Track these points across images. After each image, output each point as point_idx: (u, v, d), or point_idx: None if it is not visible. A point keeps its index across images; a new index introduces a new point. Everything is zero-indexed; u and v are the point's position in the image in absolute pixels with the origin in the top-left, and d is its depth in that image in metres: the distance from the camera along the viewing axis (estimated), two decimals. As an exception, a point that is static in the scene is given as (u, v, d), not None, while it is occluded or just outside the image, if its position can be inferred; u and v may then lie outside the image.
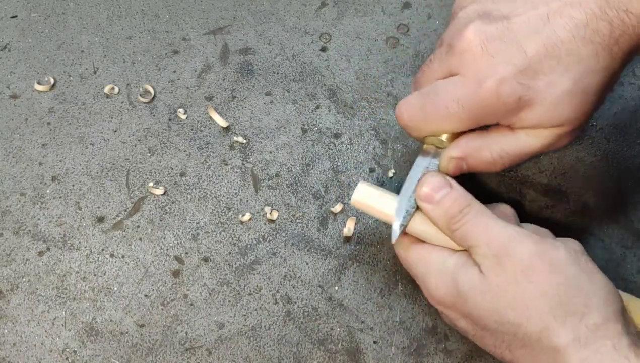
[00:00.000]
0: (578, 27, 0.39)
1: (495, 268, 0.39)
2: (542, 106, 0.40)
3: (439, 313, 0.45)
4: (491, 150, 0.43)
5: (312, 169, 0.55)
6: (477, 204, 0.42)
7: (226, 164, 0.55)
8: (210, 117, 0.57)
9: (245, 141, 0.56)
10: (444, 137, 0.45)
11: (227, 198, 0.54)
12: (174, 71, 0.59)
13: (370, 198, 0.46)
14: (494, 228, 0.40)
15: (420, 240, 0.45)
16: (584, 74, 0.39)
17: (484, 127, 0.44)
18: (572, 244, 0.41)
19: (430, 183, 0.43)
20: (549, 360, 0.38)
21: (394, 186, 0.54)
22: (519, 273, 0.38)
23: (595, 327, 0.37)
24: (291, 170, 0.55)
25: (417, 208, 0.44)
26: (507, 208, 0.45)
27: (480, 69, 0.40)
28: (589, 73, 0.39)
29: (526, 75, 0.39)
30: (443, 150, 0.45)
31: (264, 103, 0.57)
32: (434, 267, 0.42)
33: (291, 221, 0.53)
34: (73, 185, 0.54)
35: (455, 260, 0.42)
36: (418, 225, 0.44)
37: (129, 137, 0.56)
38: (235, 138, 0.56)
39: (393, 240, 0.44)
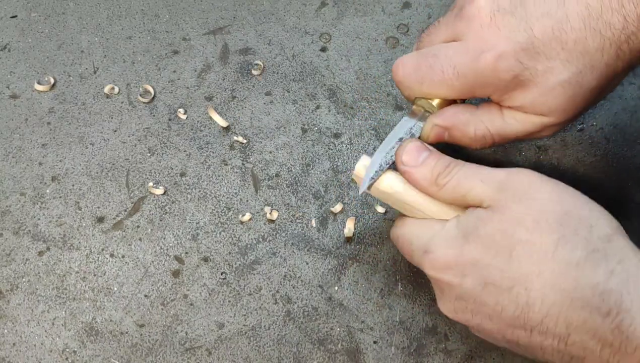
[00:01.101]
0: (591, 17, 0.38)
1: (498, 195, 0.38)
2: (535, 90, 0.40)
3: (440, 297, 0.42)
4: (476, 127, 0.43)
5: (312, 169, 0.55)
6: (462, 161, 0.41)
7: (226, 164, 0.55)
8: (210, 117, 0.57)
9: (245, 141, 0.56)
10: (435, 102, 0.45)
11: (227, 198, 0.54)
12: (174, 71, 0.59)
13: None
14: (485, 170, 0.39)
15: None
16: (585, 68, 0.39)
17: (473, 102, 0.44)
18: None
19: (410, 148, 0.42)
20: (568, 280, 0.35)
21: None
22: (523, 193, 0.37)
23: (607, 237, 0.36)
24: (291, 170, 0.55)
25: (391, 167, 0.44)
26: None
27: (483, 38, 0.40)
28: (590, 67, 0.39)
29: (527, 55, 0.39)
30: (429, 116, 0.45)
31: (264, 103, 0.57)
32: (434, 231, 0.40)
33: (291, 221, 0.53)
34: (73, 185, 0.54)
35: (454, 220, 0.40)
36: (407, 195, 0.43)
37: (129, 137, 0.56)
38: (235, 138, 0.56)
39: (360, 191, 0.43)
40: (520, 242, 0.36)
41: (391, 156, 0.44)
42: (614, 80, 0.41)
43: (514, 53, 0.39)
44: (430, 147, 0.43)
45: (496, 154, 0.55)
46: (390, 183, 0.43)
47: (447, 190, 0.40)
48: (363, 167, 0.44)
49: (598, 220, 0.37)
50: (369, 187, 0.43)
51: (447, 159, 0.41)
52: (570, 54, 0.38)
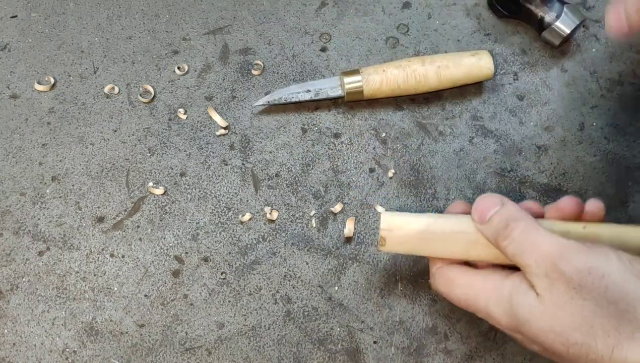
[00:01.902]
0: None
1: (549, 289, 0.37)
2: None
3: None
4: None
5: (312, 168, 0.55)
6: (525, 219, 0.40)
7: (226, 164, 0.55)
8: (210, 117, 0.57)
9: (244, 140, 0.56)
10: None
11: (227, 198, 0.54)
12: (174, 71, 0.59)
13: (400, 222, 0.44)
14: (541, 245, 0.38)
15: (457, 267, 0.44)
16: None
17: None
18: (621, 251, 0.38)
19: (482, 202, 0.43)
20: None
21: (394, 186, 0.54)
22: (573, 292, 0.36)
23: None
24: (291, 170, 0.55)
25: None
26: (529, 203, 0.45)
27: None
28: None
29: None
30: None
31: (264, 103, 0.57)
32: (490, 295, 0.41)
33: (291, 221, 0.53)
34: (73, 185, 0.54)
35: (510, 283, 0.40)
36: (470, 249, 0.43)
37: (129, 137, 0.56)
38: (234, 137, 0.56)
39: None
40: (576, 344, 0.36)
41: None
42: None
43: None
44: (505, 200, 0.42)
45: (496, 154, 0.55)
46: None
47: (508, 255, 0.41)
48: (387, 216, 0.44)
49: None
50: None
51: (510, 216, 0.41)
52: None
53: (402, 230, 0.43)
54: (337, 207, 0.53)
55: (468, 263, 0.44)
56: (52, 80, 0.58)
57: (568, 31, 0.56)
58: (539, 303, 0.38)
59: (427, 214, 0.44)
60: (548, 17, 0.57)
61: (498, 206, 0.42)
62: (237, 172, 0.55)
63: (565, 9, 0.56)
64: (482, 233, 0.42)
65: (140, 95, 0.58)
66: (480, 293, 0.42)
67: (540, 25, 0.58)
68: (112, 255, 0.52)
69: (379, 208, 0.53)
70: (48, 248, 0.52)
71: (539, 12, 0.57)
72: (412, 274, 0.51)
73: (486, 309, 0.41)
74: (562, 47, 0.60)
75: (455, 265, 0.44)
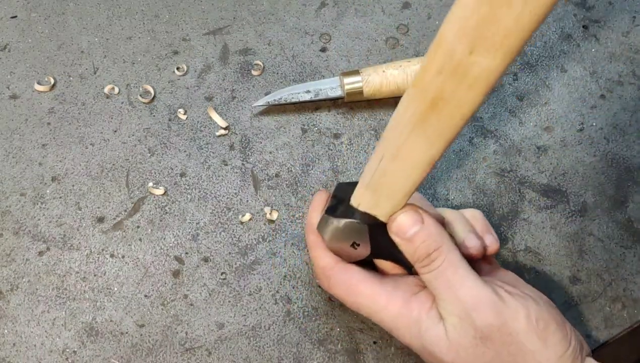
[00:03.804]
0: None
1: (458, 329, 0.39)
2: None
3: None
4: None
5: (312, 169, 0.55)
6: (447, 249, 0.40)
7: (226, 164, 0.55)
8: (210, 117, 0.57)
9: (244, 141, 0.56)
10: None
11: (227, 198, 0.54)
12: (174, 71, 0.59)
13: None
14: (459, 289, 0.39)
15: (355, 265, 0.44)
16: None
17: None
18: (533, 306, 0.39)
19: (402, 218, 0.40)
20: None
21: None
22: (479, 340, 0.38)
23: None
24: (291, 170, 0.55)
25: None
26: (476, 213, 0.45)
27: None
28: None
29: None
30: None
31: (264, 103, 0.57)
32: (397, 315, 0.41)
33: (291, 221, 0.53)
34: (73, 185, 0.54)
35: (419, 305, 0.41)
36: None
37: (129, 137, 0.56)
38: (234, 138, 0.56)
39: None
40: None
41: None
42: None
43: None
44: (427, 219, 0.40)
45: (496, 154, 0.55)
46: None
47: (425, 280, 0.41)
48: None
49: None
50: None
51: (432, 243, 0.40)
52: None
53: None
54: (337, 207, 0.53)
55: (366, 263, 0.44)
56: (52, 81, 0.58)
57: None
58: (445, 337, 0.39)
59: None
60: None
61: (419, 225, 0.40)
62: (237, 173, 0.55)
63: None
64: (400, 246, 0.41)
65: (140, 95, 0.58)
66: (386, 310, 0.41)
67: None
68: (112, 256, 0.52)
69: None
70: (48, 249, 0.52)
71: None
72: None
73: (394, 330, 0.42)
74: (562, 47, 0.60)
75: (353, 268, 0.43)
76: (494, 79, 0.34)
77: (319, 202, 0.45)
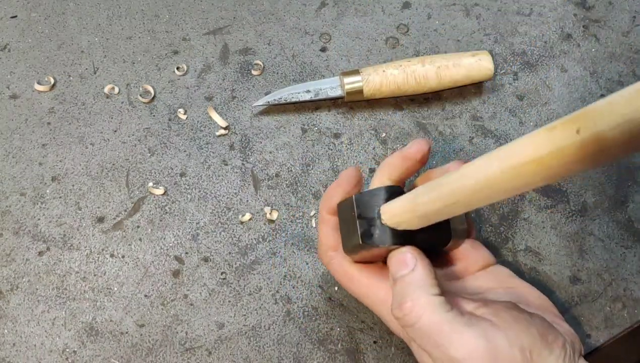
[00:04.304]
0: None
1: None
2: None
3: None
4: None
5: (312, 169, 0.55)
6: (432, 310, 0.38)
7: (226, 164, 0.55)
8: (210, 117, 0.57)
9: (240, 144, 0.56)
10: None
11: (227, 198, 0.54)
12: (174, 71, 0.59)
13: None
14: (449, 348, 0.37)
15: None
16: None
17: None
18: (523, 337, 0.38)
19: (399, 253, 0.40)
20: None
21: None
22: None
23: None
24: (291, 170, 0.55)
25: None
26: (504, 270, 0.44)
27: None
28: None
29: None
30: None
31: (264, 103, 0.57)
32: (386, 308, 0.41)
33: (291, 221, 0.53)
34: (73, 185, 0.54)
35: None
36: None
37: (129, 137, 0.56)
38: (234, 138, 0.56)
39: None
40: None
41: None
42: None
43: None
44: (419, 260, 0.39)
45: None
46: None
47: (407, 333, 0.39)
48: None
49: None
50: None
51: (419, 294, 0.38)
52: None
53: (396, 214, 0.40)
54: (337, 207, 0.53)
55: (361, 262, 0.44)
56: (52, 80, 0.58)
57: None
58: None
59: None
60: None
61: (410, 268, 0.39)
62: (237, 172, 0.55)
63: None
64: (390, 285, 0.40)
65: (140, 95, 0.58)
66: (385, 304, 0.41)
67: None
68: (112, 255, 0.52)
69: None
70: (48, 248, 0.52)
71: None
72: (412, 274, 0.51)
73: (391, 323, 0.42)
74: (563, 47, 0.60)
75: (351, 261, 0.43)
76: None
77: (347, 180, 0.43)
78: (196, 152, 0.55)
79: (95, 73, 0.59)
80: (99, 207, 0.53)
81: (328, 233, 0.44)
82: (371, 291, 0.42)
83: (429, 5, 0.62)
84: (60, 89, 0.58)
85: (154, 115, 0.57)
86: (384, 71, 0.55)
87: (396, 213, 0.39)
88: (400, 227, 0.40)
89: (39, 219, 0.53)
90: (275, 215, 0.53)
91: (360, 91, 0.55)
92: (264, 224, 0.53)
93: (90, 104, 0.57)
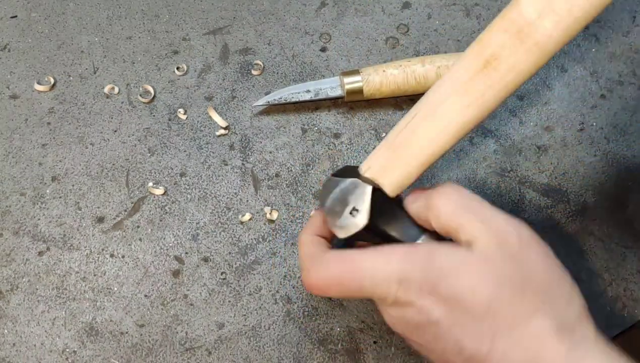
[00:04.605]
0: None
1: (492, 245, 0.36)
2: None
3: (390, 311, 0.39)
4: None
5: (312, 169, 0.55)
6: (459, 188, 0.39)
7: (226, 164, 0.55)
8: (210, 117, 0.57)
9: (240, 144, 0.56)
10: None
11: (227, 198, 0.54)
12: (174, 71, 0.59)
13: None
14: (488, 211, 0.38)
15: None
16: None
17: None
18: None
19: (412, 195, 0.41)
20: (532, 346, 0.35)
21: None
22: (517, 251, 0.36)
23: (578, 317, 0.36)
24: (291, 170, 0.55)
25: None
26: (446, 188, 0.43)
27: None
28: None
29: None
30: None
31: (264, 103, 0.57)
32: (402, 258, 0.37)
33: (291, 221, 0.53)
34: (73, 185, 0.54)
35: (426, 246, 0.38)
36: None
37: (129, 137, 0.56)
38: (234, 138, 0.56)
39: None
40: (501, 301, 0.35)
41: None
42: None
43: None
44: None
45: (496, 154, 0.55)
46: None
47: (442, 218, 0.39)
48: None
49: (574, 297, 0.37)
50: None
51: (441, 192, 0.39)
52: None
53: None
54: (337, 207, 0.53)
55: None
56: (52, 80, 0.58)
57: None
58: (473, 256, 0.36)
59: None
60: None
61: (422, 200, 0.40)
62: (237, 172, 0.55)
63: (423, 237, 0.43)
64: (420, 210, 0.40)
65: (140, 95, 0.58)
66: (390, 257, 0.38)
67: None
68: (112, 255, 0.52)
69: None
70: (48, 248, 0.52)
71: None
72: (412, 274, 0.51)
73: (400, 273, 0.37)
74: (563, 47, 0.60)
75: (346, 251, 0.40)
76: (552, 48, 0.36)
77: (315, 221, 0.44)
78: (196, 152, 0.55)
79: (95, 73, 0.59)
80: (99, 207, 0.53)
81: (315, 262, 0.41)
82: (373, 264, 0.38)
83: (429, 5, 0.62)
84: (60, 89, 0.58)
85: (154, 115, 0.57)
86: (384, 71, 0.55)
87: (369, 158, 0.41)
88: (369, 173, 0.41)
89: (39, 219, 0.53)
90: (275, 215, 0.53)
91: (360, 91, 0.55)
92: (264, 224, 0.53)
93: (90, 104, 0.57)
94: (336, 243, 0.44)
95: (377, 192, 0.41)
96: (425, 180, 0.54)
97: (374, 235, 0.42)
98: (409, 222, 0.42)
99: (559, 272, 0.37)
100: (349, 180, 0.42)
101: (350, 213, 0.41)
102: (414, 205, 0.41)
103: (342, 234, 0.42)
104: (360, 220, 0.41)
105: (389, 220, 0.41)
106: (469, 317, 0.36)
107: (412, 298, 0.37)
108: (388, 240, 0.42)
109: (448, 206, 0.38)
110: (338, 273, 0.39)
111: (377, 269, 0.38)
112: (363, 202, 0.41)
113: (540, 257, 0.37)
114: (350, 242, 0.43)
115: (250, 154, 0.55)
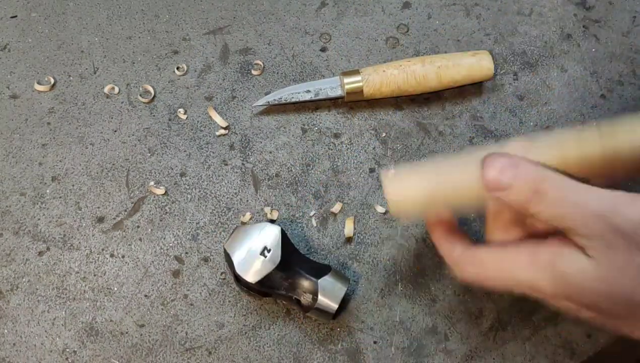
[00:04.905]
0: None
1: (605, 251, 0.34)
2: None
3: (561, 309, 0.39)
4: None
5: (312, 168, 0.55)
6: (554, 176, 0.36)
7: (226, 164, 0.55)
8: (210, 117, 0.57)
9: (240, 144, 0.56)
10: None
11: (227, 198, 0.54)
12: (174, 71, 0.59)
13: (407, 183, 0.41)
14: (587, 203, 0.34)
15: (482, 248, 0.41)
16: None
17: None
18: None
19: (492, 168, 0.37)
20: None
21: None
22: (635, 249, 0.33)
23: None
24: (291, 170, 0.55)
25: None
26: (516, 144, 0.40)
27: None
28: None
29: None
30: None
31: (264, 103, 0.57)
32: (527, 265, 0.37)
33: (291, 221, 0.53)
34: (73, 185, 0.54)
35: (548, 249, 0.36)
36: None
37: (129, 137, 0.56)
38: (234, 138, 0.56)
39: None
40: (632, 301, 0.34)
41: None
42: None
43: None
44: (517, 160, 0.37)
45: (496, 154, 0.55)
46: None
47: (542, 220, 0.36)
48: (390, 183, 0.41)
49: None
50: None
51: (536, 177, 0.36)
52: None
53: (409, 197, 0.41)
54: (337, 207, 0.53)
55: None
56: (52, 80, 0.58)
57: (335, 306, 0.46)
58: (593, 266, 0.34)
59: (433, 167, 0.41)
60: (304, 299, 0.46)
61: (513, 168, 0.36)
62: (237, 172, 0.55)
63: (320, 282, 0.46)
64: (502, 201, 0.37)
65: (140, 95, 0.58)
66: (515, 265, 0.37)
67: (302, 308, 0.47)
68: (112, 255, 0.52)
69: (379, 209, 0.53)
70: (48, 248, 0.52)
71: (293, 296, 0.46)
72: (412, 274, 0.51)
73: (527, 280, 0.37)
74: (563, 47, 0.60)
75: (479, 246, 0.40)
76: None
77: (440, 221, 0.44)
78: (196, 152, 0.55)
79: (95, 73, 0.59)
80: (99, 207, 0.53)
81: (449, 246, 0.42)
82: (505, 262, 0.38)
83: (429, 5, 0.62)
84: (60, 89, 0.58)
85: (154, 115, 0.57)
86: (384, 71, 0.55)
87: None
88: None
89: (39, 219, 0.53)
90: (275, 215, 0.53)
91: (360, 91, 0.55)
92: (264, 224, 0.53)
93: (90, 104, 0.57)
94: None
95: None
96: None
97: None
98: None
99: None
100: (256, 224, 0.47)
101: (262, 253, 0.46)
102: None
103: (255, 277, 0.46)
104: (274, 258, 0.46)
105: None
106: (616, 318, 0.35)
107: (551, 301, 0.37)
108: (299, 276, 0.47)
109: (547, 212, 0.36)
110: (492, 274, 0.39)
111: (507, 274, 0.38)
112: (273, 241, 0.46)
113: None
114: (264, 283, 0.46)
115: (250, 153, 0.55)
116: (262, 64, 0.59)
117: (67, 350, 0.48)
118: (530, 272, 0.37)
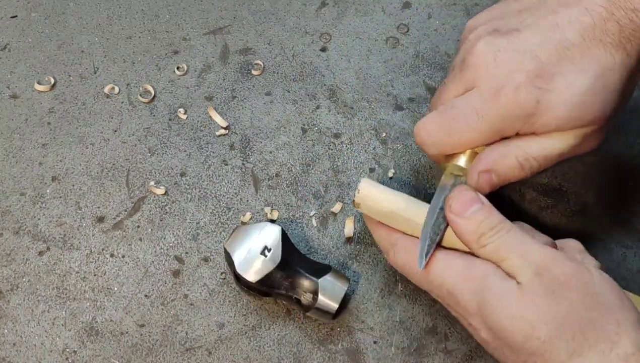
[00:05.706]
0: (587, 30, 0.39)
1: (533, 280, 0.38)
2: (562, 107, 0.40)
3: (457, 319, 0.43)
4: (517, 154, 0.42)
5: (312, 168, 0.55)
6: (510, 223, 0.41)
7: (226, 164, 0.55)
8: (210, 117, 0.57)
9: (244, 140, 0.56)
10: (462, 161, 0.44)
11: (227, 198, 0.54)
12: (174, 71, 0.59)
13: (375, 196, 0.44)
14: (531, 246, 0.39)
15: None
16: (602, 72, 0.39)
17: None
18: (601, 272, 0.40)
19: (461, 197, 0.41)
20: None
21: (394, 186, 0.54)
22: (557, 287, 0.37)
23: (626, 357, 0.36)
24: (291, 170, 0.55)
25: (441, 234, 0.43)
26: (576, 244, 0.44)
27: (495, 77, 0.40)
28: (606, 70, 0.39)
29: (543, 78, 0.39)
30: (463, 177, 0.44)
31: (264, 103, 0.57)
32: (458, 272, 0.40)
33: (291, 221, 0.53)
34: (73, 185, 0.54)
35: (483, 266, 0.40)
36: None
37: (129, 137, 0.56)
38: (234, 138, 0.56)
39: (420, 266, 0.42)
40: (538, 339, 0.37)
41: (439, 227, 0.42)
42: (635, 74, 0.42)
43: (529, 81, 0.40)
44: (484, 199, 0.42)
45: (496, 154, 0.55)
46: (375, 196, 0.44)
47: (486, 251, 0.40)
48: (366, 185, 0.44)
49: (623, 336, 0.36)
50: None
51: (496, 218, 0.40)
52: (582, 64, 0.39)
53: (375, 203, 0.44)
54: (337, 207, 0.53)
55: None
56: (52, 80, 0.58)
57: (336, 305, 0.46)
58: (516, 289, 0.38)
59: (404, 196, 0.44)
60: (304, 299, 0.46)
61: (479, 203, 0.41)
62: (237, 172, 0.55)
63: (321, 282, 0.46)
64: (457, 228, 0.41)
65: (140, 95, 0.58)
66: (448, 268, 0.41)
67: (302, 307, 0.47)
68: (112, 255, 0.52)
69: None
70: (48, 248, 0.52)
71: (293, 295, 0.47)
72: (412, 274, 0.51)
73: (451, 285, 0.40)
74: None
75: (416, 240, 0.43)
76: None
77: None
78: (196, 152, 0.55)
79: (95, 73, 0.59)
80: (99, 207, 0.53)
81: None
82: (437, 261, 0.42)
83: (430, 5, 0.62)
84: (60, 88, 0.58)
85: (154, 115, 0.57)
86: None
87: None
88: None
89: (39, 219, 0.53)
90: (275, 215, 0.53)
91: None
92: (264, 224, 0.53)
93: (90, 104, 0.57)
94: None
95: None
96: (427, 182, 0.54)
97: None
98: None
99: (605, 308, 0.37)
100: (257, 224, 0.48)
101: (262, 253, 0.46)
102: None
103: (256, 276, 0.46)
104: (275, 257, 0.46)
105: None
106: (509, 348, 0.38)
107: (457, 311, 0.41)
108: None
109: (492, 246, 0.40)
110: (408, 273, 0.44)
111: (435, 274, 0.42)
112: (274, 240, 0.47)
113: (581, 293, 0.37)
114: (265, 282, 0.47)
115: (250, 153, 0.55)
116: (262, 64, 0.59)
117: (67, 350, 0.48)
118: (459, 279, 0.40)
